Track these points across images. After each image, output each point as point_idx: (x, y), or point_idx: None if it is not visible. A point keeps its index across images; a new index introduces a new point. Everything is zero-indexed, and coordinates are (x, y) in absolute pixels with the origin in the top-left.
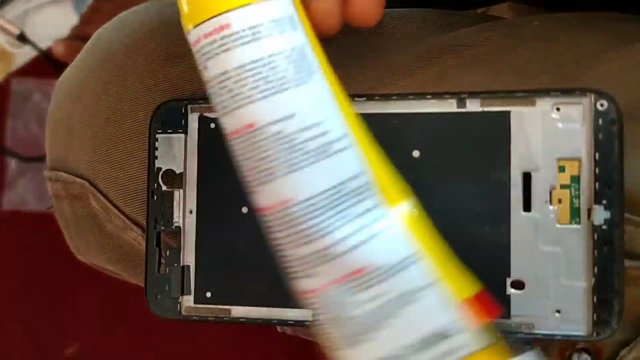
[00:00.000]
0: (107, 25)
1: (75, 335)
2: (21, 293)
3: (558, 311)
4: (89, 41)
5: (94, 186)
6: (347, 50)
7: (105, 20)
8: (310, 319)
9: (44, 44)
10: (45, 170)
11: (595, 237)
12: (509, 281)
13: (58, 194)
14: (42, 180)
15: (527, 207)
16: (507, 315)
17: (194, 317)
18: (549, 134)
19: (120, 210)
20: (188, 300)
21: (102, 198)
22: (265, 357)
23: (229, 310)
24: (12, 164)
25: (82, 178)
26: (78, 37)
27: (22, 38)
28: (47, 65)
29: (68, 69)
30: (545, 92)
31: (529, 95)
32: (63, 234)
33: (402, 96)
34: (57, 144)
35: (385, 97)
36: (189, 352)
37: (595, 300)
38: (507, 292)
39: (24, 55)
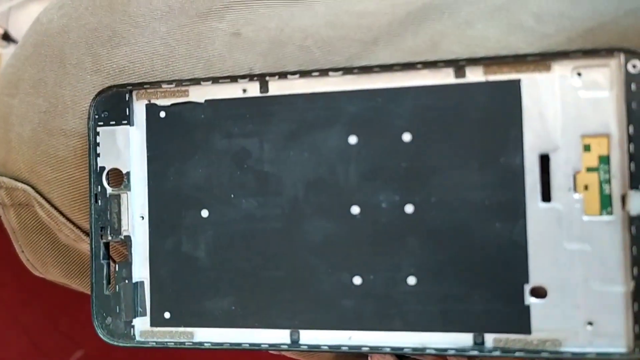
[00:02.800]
0: (49, 5)
1: (80, 342)
2: (25, 301)
3: (590, 323)
4: (30, 25)
5: (37, 192)
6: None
7: None
8: (288, 341)
9: None
10: None
11: (633, 230)
12: (527, 288)
13: (3, 202)
14: None
15: (546, 196)
16: (527, 329)
17: (150, 343)
18: (570, 106)
19: (68, 219)
20: (143, 323)
21: (47, 205)
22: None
23: (191, 332)
24: None
25: (24, 182)
26: None
27: (7, 37)
28: None
29: (8, 59)
30: (562, 54)
31: (543, 58)
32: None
33: (387, 67)
34: None
35: (366, 69)
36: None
37: (635, 308)
38: (526, 302)
39: (8, 55)
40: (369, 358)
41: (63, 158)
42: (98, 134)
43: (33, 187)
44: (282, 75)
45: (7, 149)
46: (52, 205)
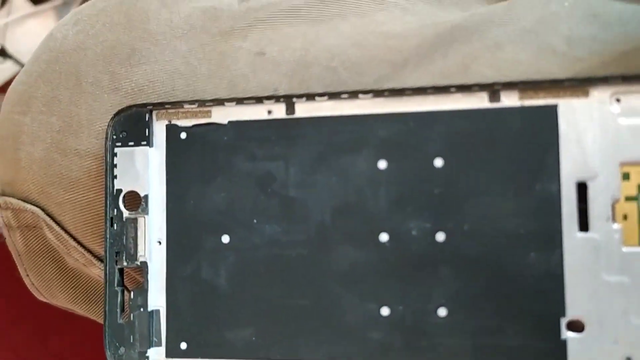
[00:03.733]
0: (63, 20)
1: None
2: (14, 321)
3: (629, 359)
4: (42, 40)
5: (47, 214)
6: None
7: None
8: None
9: (26, 59)
10: None
11: None
12: (564, 322)
13: (9, 224)
14: None
15: (583, 226)
16: None
17: None
18: (608, 132)
19: (79, 243)
20: (158, 354)
21: (57, 228)
22: None
23: None
24: None
25: (33, 204)
26: None
27: (3, 53)
28: None
29: (18, 75)
30: (601, 80)
31: (581, 83)
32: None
33: (419, 90)
34: (4, 165)
35: (397, 92)
36: None
37: None
38: (563, 336)
39: (5, 70)
40: None
41: (76, 179)
42: (116, 154)
43: (43, 209)
44: (310, 96)
45: (16, 169)
46: (63, 228)
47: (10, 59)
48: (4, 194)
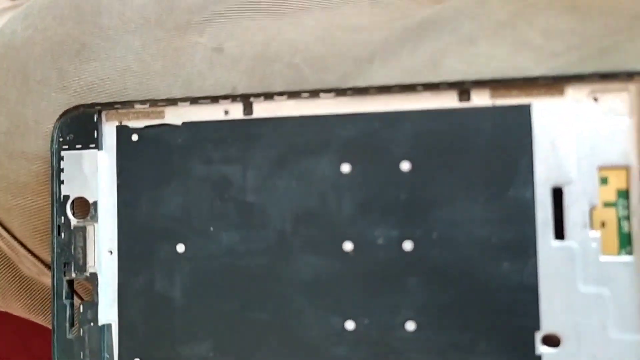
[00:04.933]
0: (14, 14)
1: None
2: None
3: None
4: None
5: None
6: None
7: None
8: None
9: None
10: None
11: None
12: (538, 336)
13: None
14: None
15: (559, 233)
16: None
17: None
18: (585, 134)
19: (29, 251)
20: None
21: (6, 235)
22: None
23: None
24: None
25: None
26: None
27: None
28: None
29: None
30: (577, 77)
31: (556, 81)
32: None
33: (384, 89)
34: None
35: (361, 91)
36: None
37: None
38: (537, 352)
39: None
40: None
41: (24, 184)
42: (62, 158)
43: None
44: (268, 96)
45: None
46: (12, 236)
47: None
48: None
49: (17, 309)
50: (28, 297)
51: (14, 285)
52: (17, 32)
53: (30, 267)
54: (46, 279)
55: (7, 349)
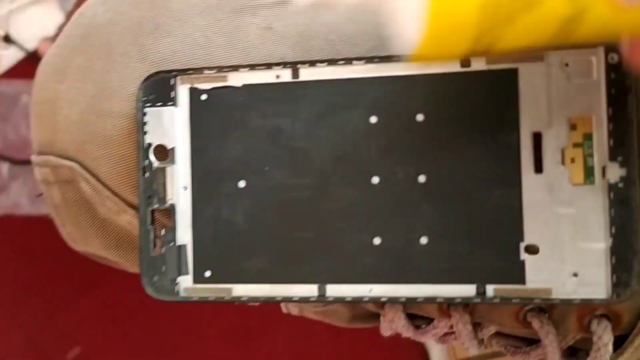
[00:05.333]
0: (90, 1)
1: (77, 338)
2: (20, 298)
3: (575, 275)
4: (71, 19)
5: (84, 168)
6: None
7: None
8: (316, 294)
9: (30, 45)
10: (32, 156)
11: (611, 195)
12: (522, 246)
13: (46, 180)
14: (35, 183)
15: (538, 168)
16: (523, 281)
17: (193, 298)
18: (559, 91)
19: (112, 192)
20: (186, 281)
21: (92, 180)
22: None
23: (230, 289)
24: (4, 168)
25: (71, 160)
26: None
27: (8, 39)
28: (35, 66)
29: (50, 49)
30: (554, 47)
31: (538, 50)
32: (56, 223)
33: (403, 57)
34: (42, 127)
35: (385, 59)
36: (194, 352)
37: (613, 261)
38: (521, 258)
39: (10, 57)
40: (382, 317)
41: (110, 137)
42: (145, 114)
43: (80, 164)
44: (312, 63)
45: (54, 130)
46: (98, 180)
47: (14, 45)
48: (42, 153)
49: (95, 247)
50: (104, 236)
51: (93, 226)
52: (98, 14)
53: (111, 207)
54: (124, 216)
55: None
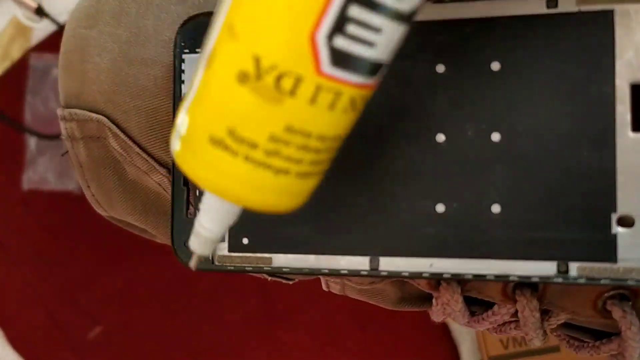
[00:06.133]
0: None
1: (99, 319)
2: (42, 276)
3: None
4: None
5: (112, 121)
6: None
7: None
8: (367, 268)
9: (62, 18)
10: (58, 109)
11: None
12: (614, 217)
13: (72, 135)
14: (62, 158)
15: (636, 126)
16: (614, 258)
17: (229, 267)
18: None
19: (142, 149)
20: (222, 248)
21: (121, 135)
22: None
23: (270, 259)
24: (32, 142)
25: (99, 113)
26: None
27: (40, 12)
28: None
29: None
30: None
31: None
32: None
33: None
34: (70, 78)
35: None
36: (215, 335)
37: None
38: (613, 231)
39: (42, 29)
40: (435, 300)
41: (143, 87)
42: (183, 61)
43: (108, 117)
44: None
45: (82, 80)
46: (128, 135)
47: (47, 18)
48: (68, 107)
49: (119, 211)
50: (131, 198)
51: (119, 188)
52: None
53: (140, 166)
54: (154, 176)
55: (56, 303)
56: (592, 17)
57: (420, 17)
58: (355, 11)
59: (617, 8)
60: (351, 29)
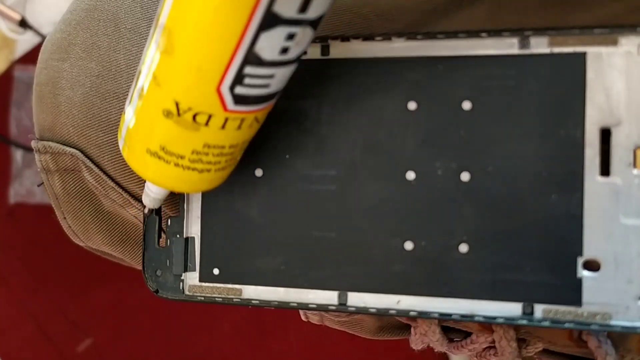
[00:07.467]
0: None
1: (89, 331)
2: (32, 288)
3: None
4: None
5: (86, 156)
6: None
7: None
8: (336, 302)
9: (46, 30)
10: (32, 141)
11: None
12: (580, 261)
13: (47, 168)
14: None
15: (605, 170)
16: (579, 302)
17: (199, 298)
18: (634, 81)
19: (117, 183)
20: (192, 278)
21: (96, 169)
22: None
23: (240, 290)
24: (18, 155)
25: (73, 147)
26: None
27: (24, 24)
28: None
29: (56, 25)
30: (630, 28)
31: (611, 32)
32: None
33: (450, 35)
34: (43, 110)
35: (429, 35)
36: (206, 346)
37: None
38: (579, 275)
39: (26, 41)
40: (413, 329)
41: (115, 122)
42: None
43: (82, 151)
44: (345, 38)
45: (55, 113)
46: (101, 170)
47: (31, 30)
48: (42, 139)
49: (97, 242)
50: (108, 229)
51: (96, 219)
52: None
53: (115, 199)
54: (130, 209)
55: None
56: (564, 59)
57: (392, 53)
58: (249, 69)
59: (589, 50)
60: (247, 80)
